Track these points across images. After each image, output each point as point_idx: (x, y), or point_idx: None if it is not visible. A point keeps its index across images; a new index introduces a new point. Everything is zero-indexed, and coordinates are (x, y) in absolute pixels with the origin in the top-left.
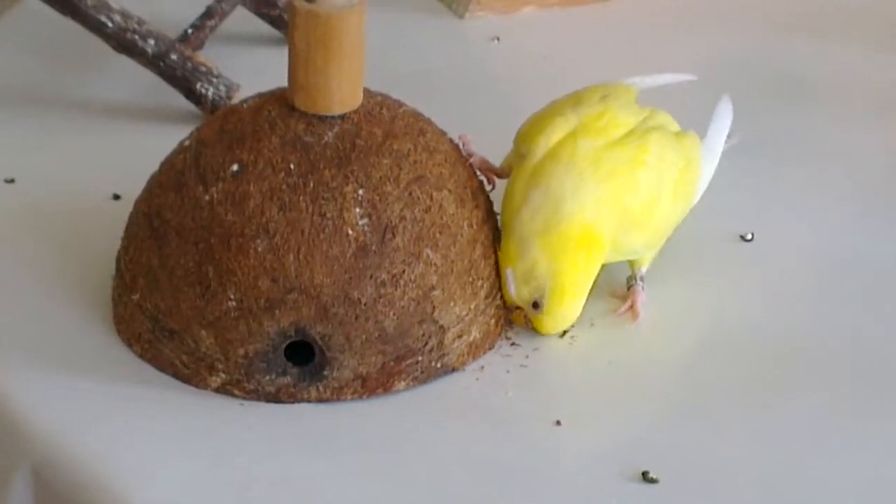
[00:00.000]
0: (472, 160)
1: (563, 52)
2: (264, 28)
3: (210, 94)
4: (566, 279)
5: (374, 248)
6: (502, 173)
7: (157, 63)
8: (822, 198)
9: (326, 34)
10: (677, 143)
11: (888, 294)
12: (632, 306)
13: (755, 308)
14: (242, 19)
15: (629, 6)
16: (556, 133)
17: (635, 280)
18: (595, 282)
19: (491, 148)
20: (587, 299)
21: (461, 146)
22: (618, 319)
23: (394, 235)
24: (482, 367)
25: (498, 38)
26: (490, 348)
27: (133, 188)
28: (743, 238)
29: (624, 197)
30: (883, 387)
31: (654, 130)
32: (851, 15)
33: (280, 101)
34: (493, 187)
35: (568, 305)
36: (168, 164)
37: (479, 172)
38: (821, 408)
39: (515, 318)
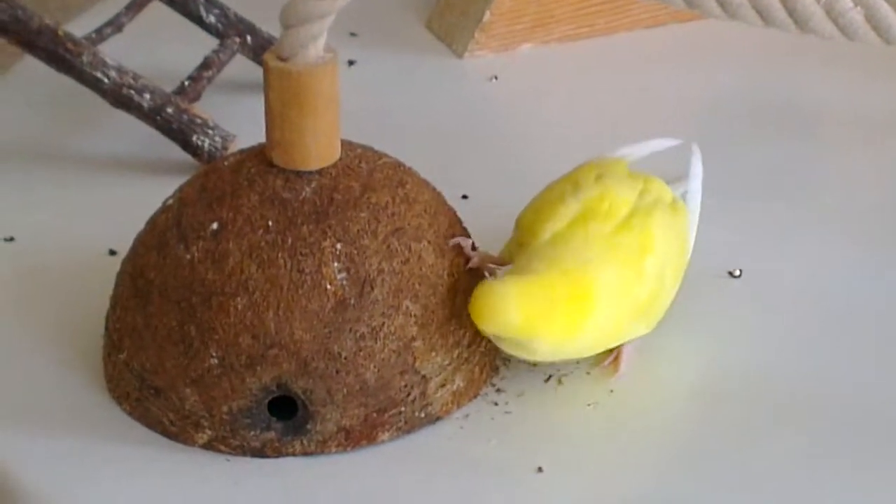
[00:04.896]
0: (472, 263)
1: (561, 89)
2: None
3: (206, 145)
4: (540, 279)
5: (352, 301)
6: (503, 262)
7: (153, 117)
8: (812, 232)
9: (299, 91)
10: (673, 220)
11: (880, 331)
12: (616, 358)
13: (745, 348)
14: (242, 67)
15: (626, 41)
16: (561, 220)
17: None
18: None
19: (490, 188)
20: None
21: (463, 249)
22: (602, 371)
23: (372, 288)
24: (467, 416)
25: (496, 77)
26: (475, 396)
27: (129, 243)
28: (731, 274)
29: (632, 287)
30: (877, 429)
31: (654, 209)
32: (840, 44)
33: (259, 158)
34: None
35: (512, 293)
36: (152, 224)
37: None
38: (811, 452)
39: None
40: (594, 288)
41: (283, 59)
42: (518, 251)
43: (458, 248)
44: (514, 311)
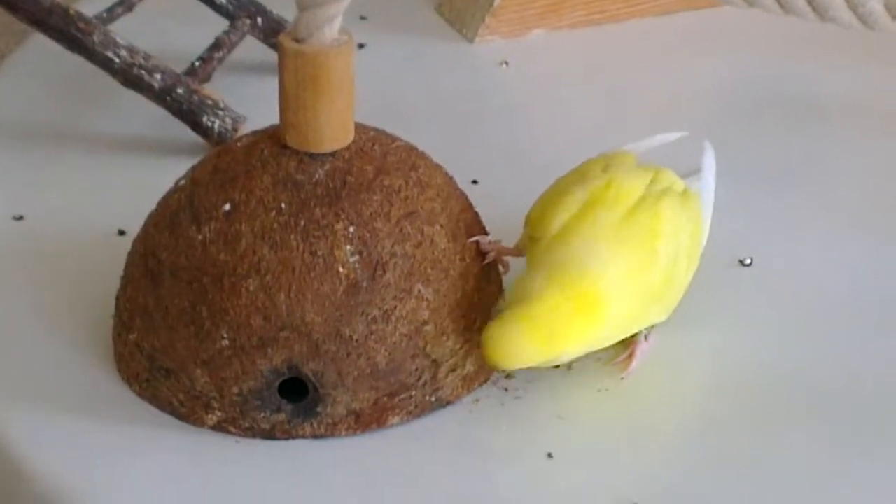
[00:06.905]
0: (488, 258)
1: (572, 75)
2: (274, 57)
3: (216, 126)
4: (543, 307)
5: (364, 284)
6: (518, 253)
7: (163, 97)
8: (823, 221)
9: (314, 73)
10: (685, 207)
11: (893, 320)
12: (630, 356)
13: (755, 336)
14: (252, 49)
15: (638, 29)
16: (567, 211)
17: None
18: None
19: (499, 173)
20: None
21: (480, 246)
22: (613, 368)
23: (384, 272)
24: (477, 400)
25: (506, 62)
26: (485, 381)
27: (138, 223)
28: (742, 263)
29: (645, 271)
30: (888, 420)
31: (664, 196)
32: (856, 34)
33: (272, 139)
34: (507, 270)
35: (520, 330)
36: (164, 204)
37: (492, 258)
38: (820, 443)
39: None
40: (602, 288)
41: (298, 41)
42: (530, 246)
43: (471, 232)
44: (527, 348)
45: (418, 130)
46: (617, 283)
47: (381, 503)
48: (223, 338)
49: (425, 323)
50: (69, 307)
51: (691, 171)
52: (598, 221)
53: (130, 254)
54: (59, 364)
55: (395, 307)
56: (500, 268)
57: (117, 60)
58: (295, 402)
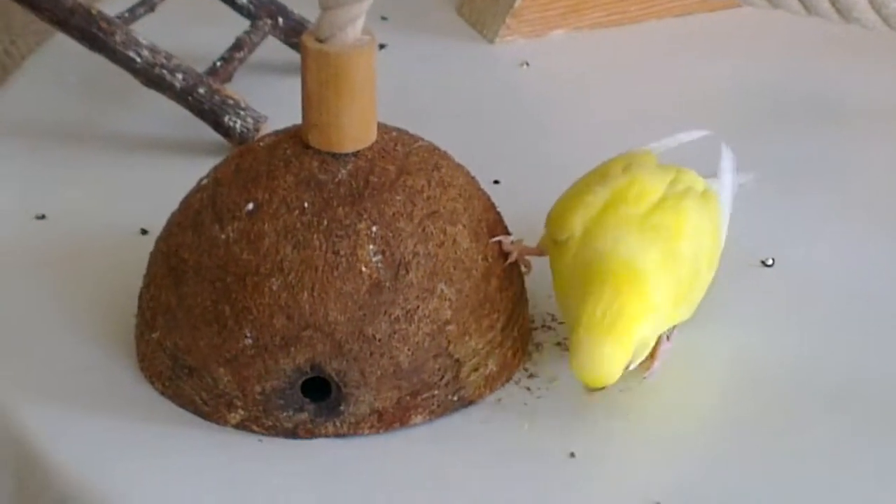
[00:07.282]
0: (511, 258)
1: (592, 76)
2: (295, 57)
3: (238, 126)
4: (599, 311)
5: (387, 284)
6: (540, 252)
7: (185, 97)
8: (843, 221)
9: (337, 73)
10: (705, 208)
11: None
12: (651, 356)
13: (777, 336)
14: (273, 49)
15: (659, 29)
16: (589, 210)
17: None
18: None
19: (521, 173)
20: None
21: (502, 246)
22: (636, 367)
23: (407, 271)
24: (499, 400)
25: (527, 63)
26: (507, 380)
27: (160, 222)
28: (764, 263)
29: (673, 265)
30: None
31: (686, 196)
32: (877, 35)
33: (295, 139)
34: (530, 270)
35: (596, 346)
36: (186, 204)
37: (514, 258)
38: (841, 441)
39: None
40: (640, 265)
41: (321, 41)
42: (553, 250)
43: (493, 232)
44: (617, 366)
45: (439, 131)
46: (653, 269)
47: (404, 502)
48: (246, 337)
49: (448, 322)
50: (92, 306)
51: (714, 172)
52: (623, 218)
53: (153, 253)
54: (81, 363)
55: (418, 307)
56: (523, 268)
57: (139, 60)
58: (318, 401)
